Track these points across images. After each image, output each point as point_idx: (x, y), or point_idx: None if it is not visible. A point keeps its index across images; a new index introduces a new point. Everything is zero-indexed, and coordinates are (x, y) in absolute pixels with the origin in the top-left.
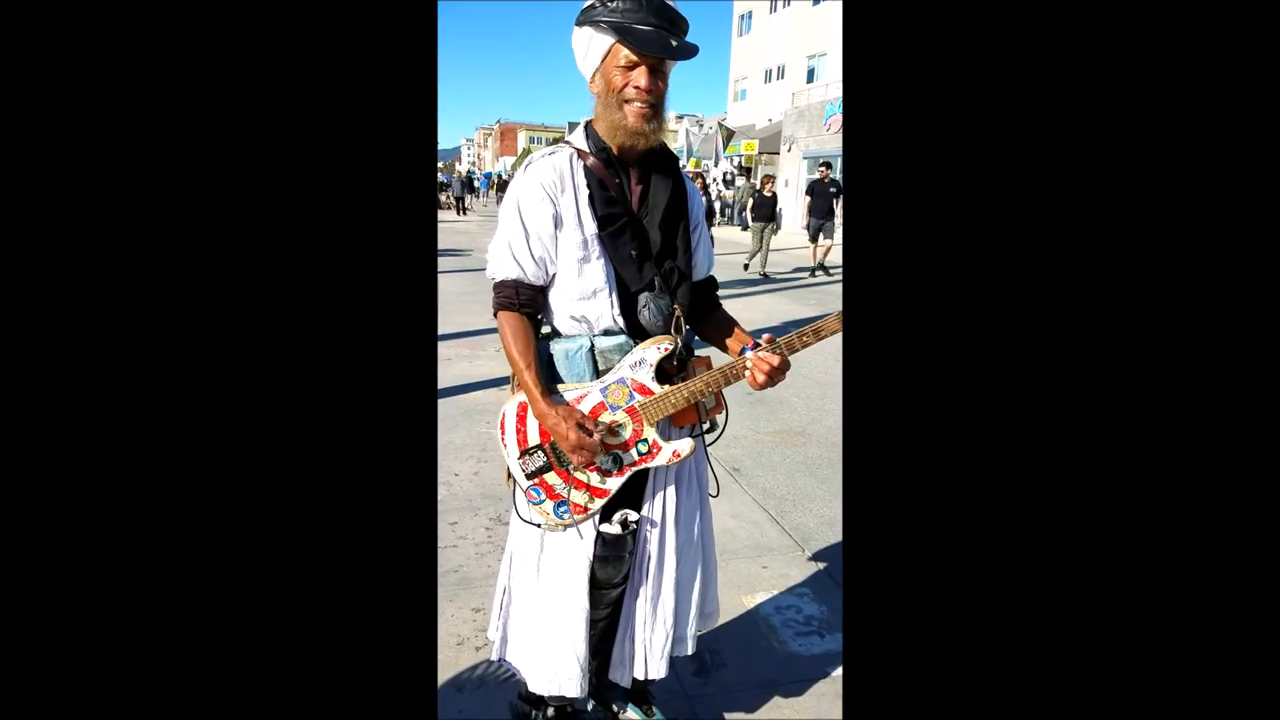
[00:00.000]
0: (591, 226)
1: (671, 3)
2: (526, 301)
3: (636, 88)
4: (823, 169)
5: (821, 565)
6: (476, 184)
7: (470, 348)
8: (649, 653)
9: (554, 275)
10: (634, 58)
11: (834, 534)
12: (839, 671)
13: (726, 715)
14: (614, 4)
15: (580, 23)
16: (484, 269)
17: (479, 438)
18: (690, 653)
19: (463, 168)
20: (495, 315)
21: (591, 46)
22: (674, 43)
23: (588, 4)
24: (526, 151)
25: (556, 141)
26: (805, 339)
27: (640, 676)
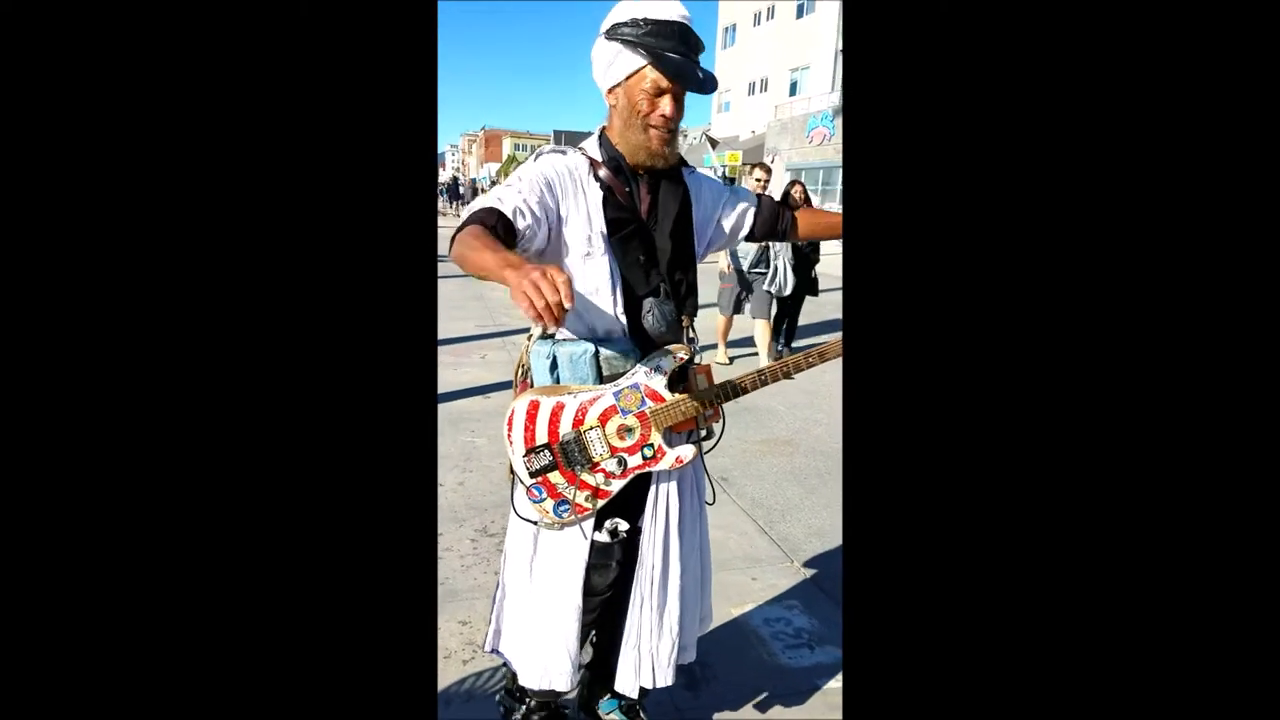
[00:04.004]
0: (600, 224)
1: (689, 24)
2: (497, 227)
3: (663, 116)
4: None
5: (810, 576)
6: (462, 190)
7: (455, 355)
8: (656, 662)
9: (536, 250)
10: (662, 84)
11: (822, 544)
12: (829, 684)
13: None
14: (644, 26)
15: (609, 37)
16: (468, 275)
17: (464, 447)
18: (693, 659)
19: (446, 174)
20: (459, 231)
21: (618, 62)
22: (700, 74)
23: (615, 21)
24: (511, 158)
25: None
26: (810, 359)
27: (648, 685)
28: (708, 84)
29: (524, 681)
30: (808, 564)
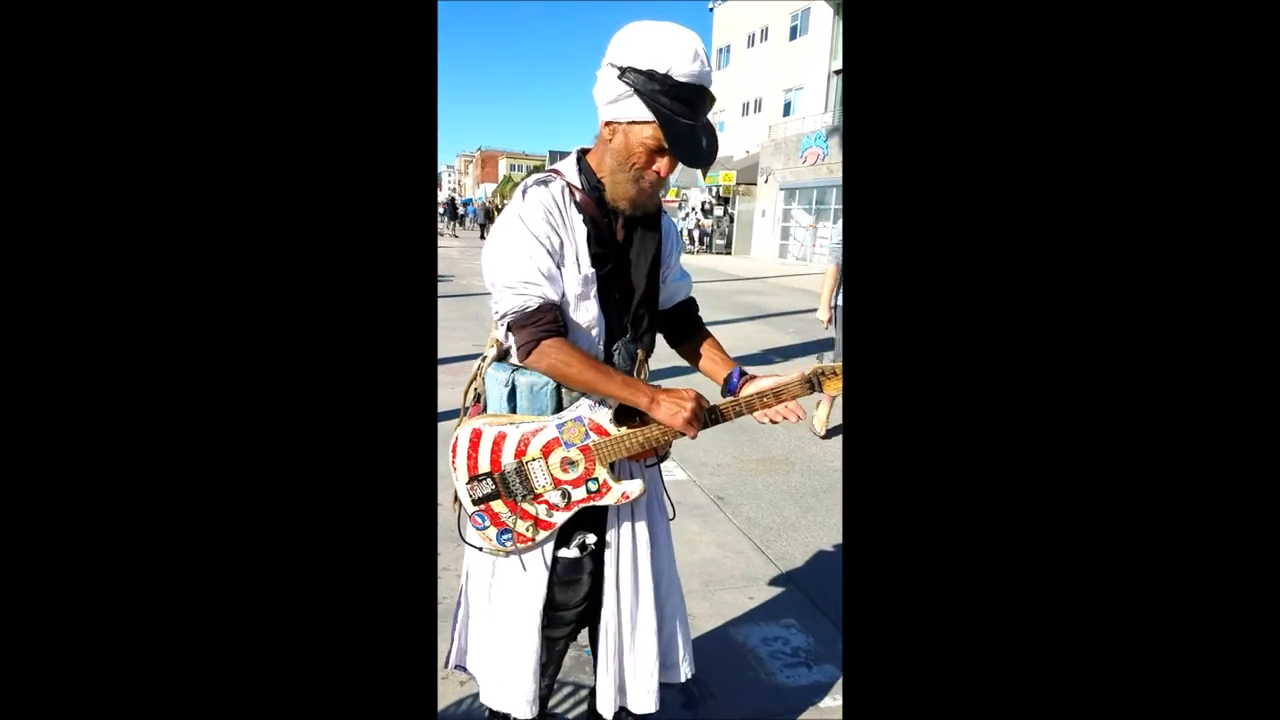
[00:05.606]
0: (587, 266)
1: (700, 80)
2: (562, 325)
3: (658, 174)
4: None
5: (807, 595)
6: (461, 211)
7: (452, 374)
8: (630, 688)
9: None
10: (665, 144)
11: (818, 563)
12: (826, 702)
13: None
14: (660, 84)
15: (619, 77)
16: (466, 294)
17: None
18: (687, 676)
19: (444, 194)
20: (533, 349)
21: (624, 104)
22: (704, 143)
23: (632, 63)
24: (508, 179)
25: (539, 169)
26: (766, 400)
27: (621, 708)
28: (707, 157)
29: (485, 701)
30: (805, 582)
